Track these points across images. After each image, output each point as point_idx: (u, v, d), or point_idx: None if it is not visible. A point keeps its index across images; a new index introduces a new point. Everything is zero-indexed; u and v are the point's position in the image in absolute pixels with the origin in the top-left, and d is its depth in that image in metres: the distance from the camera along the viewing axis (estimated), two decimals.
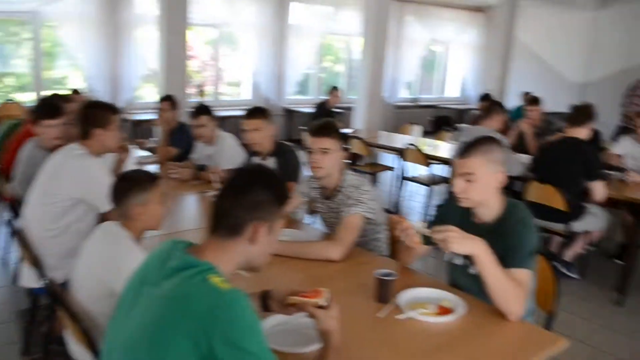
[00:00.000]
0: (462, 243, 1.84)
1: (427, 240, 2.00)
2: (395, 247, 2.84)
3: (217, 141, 4.06)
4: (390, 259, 2.70)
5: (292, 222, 2.96)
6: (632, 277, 3.97)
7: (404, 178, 6.02)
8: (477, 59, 12.69)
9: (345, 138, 2.75)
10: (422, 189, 6.86)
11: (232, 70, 9.99)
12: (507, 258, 1.93)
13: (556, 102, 10.33)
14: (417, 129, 7.41)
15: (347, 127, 7.73)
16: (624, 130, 6.34)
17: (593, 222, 4.13)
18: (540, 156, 4.30)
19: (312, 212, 3.38)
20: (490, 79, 9.66)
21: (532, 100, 5.74)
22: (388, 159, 7.88)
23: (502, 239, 1.99)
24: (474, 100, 12.77)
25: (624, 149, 4.70)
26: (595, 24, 10.74)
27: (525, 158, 5.11)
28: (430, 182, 5.61)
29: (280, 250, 2.32)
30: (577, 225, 4.07)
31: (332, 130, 2.64)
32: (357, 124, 7.87)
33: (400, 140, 6.62)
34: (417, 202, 6.54)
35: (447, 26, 12.02)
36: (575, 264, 4.30)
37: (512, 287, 1.86)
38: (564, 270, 4.26)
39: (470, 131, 4.65)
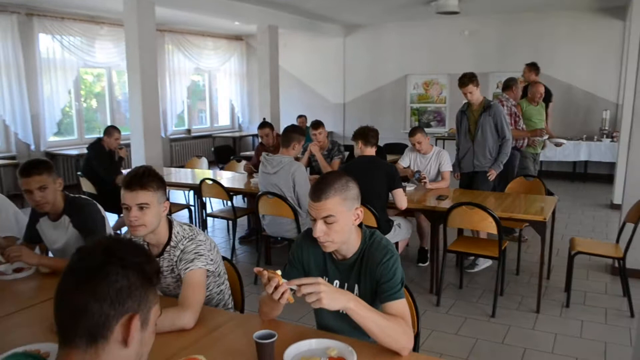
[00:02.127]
0: (333, 299, 1.68)
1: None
2: (240, 297, 2.59)
3: None
4: (240, 313, 2.48)
5: None
6: (441, 278, 4.29)
7: (206, 215, 5.64)
8: (242, 86, 12.91)
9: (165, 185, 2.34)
10: (221, 223, 6.60)
11: None
12: (382, 292, 1.88)
13: (323, 121, 11.02)
14: (205, 162, 7.12)
15: (125, 167, 7.03)
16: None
17: (400, 233, 4.39)
18: None
19: None
20: (262, 105, 9.78)
21: (317, 124, 5.87)
22: (178, 196, 7.42)
23: (368, 272, 1.94)
24: (246, 127, 12.96)
25: (409, 160, 5.11)
26: (344, 49, 11.82)
27: None
28: (232, 215, 5.32)
29: None
30: (389, 238, 4.26)
31: (151, 179, 2.18)
32: (137, 162, 7.19)
33: (189, 175, 6.25)
34: (220, 237, 6.21)
35: (210, 55, 11.98)
36: None
37: (396, 325, 1.77)
38: None
39: (272, 161, 4.54)
